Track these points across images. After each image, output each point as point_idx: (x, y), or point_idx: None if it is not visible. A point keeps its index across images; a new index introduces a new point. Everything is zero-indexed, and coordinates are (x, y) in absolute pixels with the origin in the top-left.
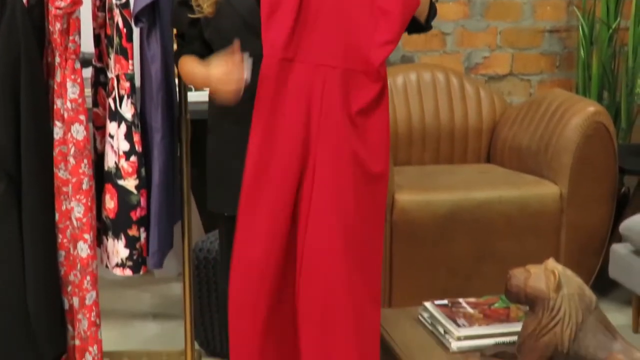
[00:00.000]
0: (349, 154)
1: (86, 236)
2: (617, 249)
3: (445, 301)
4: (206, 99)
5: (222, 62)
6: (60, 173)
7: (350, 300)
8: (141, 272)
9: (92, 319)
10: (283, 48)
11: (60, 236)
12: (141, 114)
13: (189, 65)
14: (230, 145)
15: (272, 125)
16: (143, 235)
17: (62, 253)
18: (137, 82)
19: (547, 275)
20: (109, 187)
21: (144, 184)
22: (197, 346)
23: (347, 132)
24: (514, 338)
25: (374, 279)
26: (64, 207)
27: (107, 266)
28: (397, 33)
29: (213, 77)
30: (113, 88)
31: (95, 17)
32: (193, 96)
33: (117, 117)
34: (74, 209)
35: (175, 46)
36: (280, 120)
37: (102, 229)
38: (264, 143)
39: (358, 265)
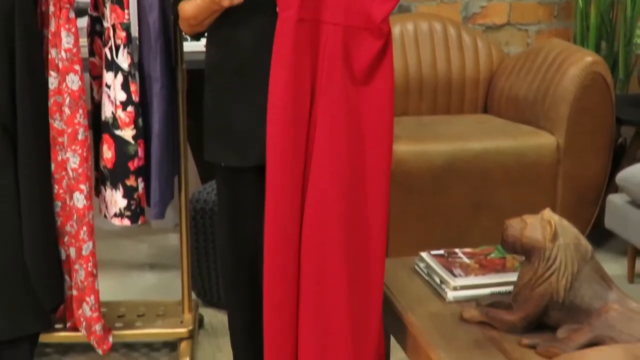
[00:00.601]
0: (348, 112)
1: (82, 187)
2: (613, 199)
3: (441, 251)
4: (202, 49)
5: None
6: (56, 123)
7: (345, 255)
8: (139, 223)
9: (89, 269)
10: (298, 8)
11: (56, 187)
12: (140, 64)
13: (191, 3)
14: (227, 96)
15: (288, 79)
16: (141, 186)
17: (58, 204)
18: (135, 32)
19: (543, 225)
20: (106, 137)
21: (142, 134)
22: (194, 296)
23: (348, 91)
24: (510, 288)
25: (376, 236)
26: (59, 158)
27: (105, 216)
28: None
29: None
30: (109, 37)
31: None
32: (189, 46)
33: (113, 67)
34: (70, 159)
35: None
36: (292, 76)
37: (100, 179)
38: (285, 96)
39: (357, 222)
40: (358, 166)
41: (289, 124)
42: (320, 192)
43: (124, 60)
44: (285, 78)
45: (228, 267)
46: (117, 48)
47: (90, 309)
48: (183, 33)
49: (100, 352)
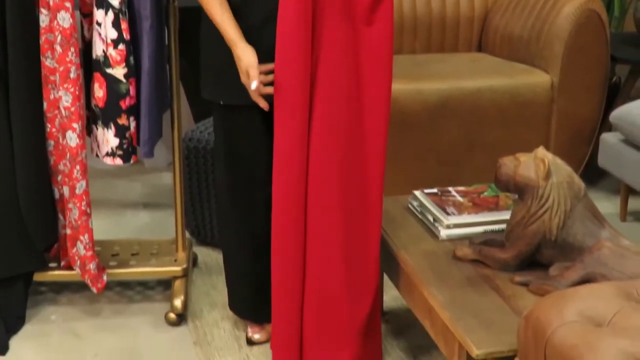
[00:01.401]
0: (348, 53)
1: (75, 125)
2: (607, 138)
3: (434, 190)
4: None
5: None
6: (47, 62)
7: (344, 195)
8: (131, 162)
9: (83, 208)
10: None
11: (49, 125)
12: (129, 1)
13: (225, 20)
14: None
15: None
16: (133, 125)
17: (51, 142)
18: None
19: (536, 163)
20: (97, 75)
21: (133, 72)
22: (187, 235)
23: (348, 32)
24: (503, 226)
25: (373, 177)
26: (51, 96)
27: (97, 155)
28: None
29: (242, 65)
30: None
31: None
32: None
33: (104, 4)
34: (62, 98)
35: None
36: (303, 7)
37: (92, 118)
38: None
39: (356, 163)
40: (357, 108)
41: (300, 54)
42: (321, 135)
43: None
44: (295, 9)
45: (225, 206)
46: None
47: (85, 247)
48: None
49: (94, 290)
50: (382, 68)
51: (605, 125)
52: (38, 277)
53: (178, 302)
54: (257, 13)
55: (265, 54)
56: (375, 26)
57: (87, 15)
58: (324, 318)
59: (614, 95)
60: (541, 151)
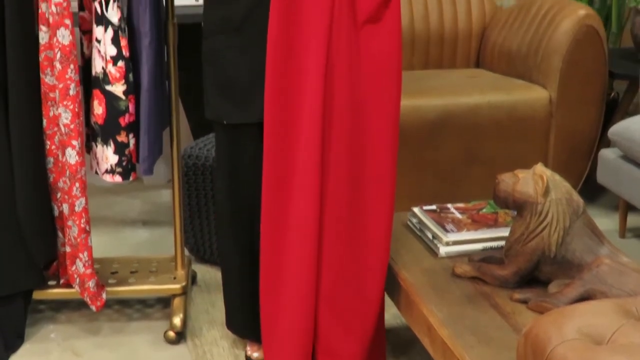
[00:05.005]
0: (354, 61)
1: (74, 142)
2: (606, 153)
3: (433, 206)
4: (192, 2)
5: None
6: (47, 79)
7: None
8: (130, 179)
9: (82, 225)
10: None
11: (48, 143)
12: (129, 18)
13: None
14: (228, 52)
15: (290, 37)
16: (132, 142)
17: (51, 159)
18: None
19: (535, 179)
20: (97, 92)
21: (132, 89)
22: (186, 252)
23: (355, 42)
24: (502, 243)
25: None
26: (51, 114)
27: (96, 172)
28: None
29: None
30: None
31: None
32: (179, 0)
33: (103, 21)
34: (62, 115)
35: None
36: (299, 32)
37: (91, 135)
38: (284, 52)
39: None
40: (363, 119)
41: (283, 77)
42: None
43: (114, 14)
44: (277, 31)
45: (225, 224)
46: (107, 2)
47: (84, 265)
48: None
49: (93, 308)
50: (389, 74)
51: (604, 141)
52: (37, 295)
53: (177, 320)
54: (243, 8)
55: (247, 42)
56: (382, 33)
57: (87, 32)
58: (323, 343)
59: (612, 111)
60: (540, 167)
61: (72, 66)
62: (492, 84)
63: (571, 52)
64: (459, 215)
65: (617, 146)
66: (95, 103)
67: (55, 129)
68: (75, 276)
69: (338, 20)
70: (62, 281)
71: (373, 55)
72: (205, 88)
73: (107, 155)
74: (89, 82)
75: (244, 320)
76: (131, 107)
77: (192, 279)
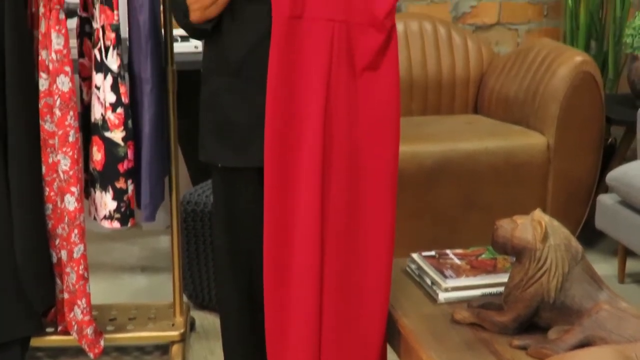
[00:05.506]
0: (352, 108)
1: (73, 189)
2: (604, 199)
3: (432, 252)
4: (191, 49)
5: None
6: (46, 125)
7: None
8: (129, 225)
9: (81, 272)
10: (290, 6)
11: (47, 189)
12: (130, 65)
13: None
14: (227, 95)
15: (290, 81)
16: (130, 188)
17: (50, 206)
18: (124, 33)
19: (533, 225)
20: (96, 139)
21: (131, 136)
22: (185, 299)
23: (353, 89)
24: (501, 289)
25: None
26: (50, 160)
27: (95, 218)
28: None
29: None
30: (98, 39)
31: None
32: (178, 47)
33: (103, 68)
34: (61, 161)
35: None
36: (298, 77)
37: (90, 181)
38: (284, 99)
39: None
40: (361, 165)
41: (282, 122)
42: (317, 195)
43: (113, 61)
44: (277, 76)
45: (223, 269)
46: (107, 49)
47: (82, 312)
48: (173, 33)
49: (91, 355)
50: (387, 122)
51: (602, 186)
52: (35, 342)
53: None
54: (240, 45)
55: (246, 86)
56: (379, 80)
57: (86, 79)
58: None
59: (610, 157)
60: (538, 213)
61: (71, 113)
62: (490, 130)
63: (568, 98)
64: (457, 261)
65: (615, 192)
66: (94, 149)
67: (54, 175)
68: (73, 323)
69: (337, 67)
70: (60, 328)
71: (372, 102)
72: (200, 131)
73: (106, 202)
74: (88, 128)
75: None
76: (130, 154)
77: (191, 325)
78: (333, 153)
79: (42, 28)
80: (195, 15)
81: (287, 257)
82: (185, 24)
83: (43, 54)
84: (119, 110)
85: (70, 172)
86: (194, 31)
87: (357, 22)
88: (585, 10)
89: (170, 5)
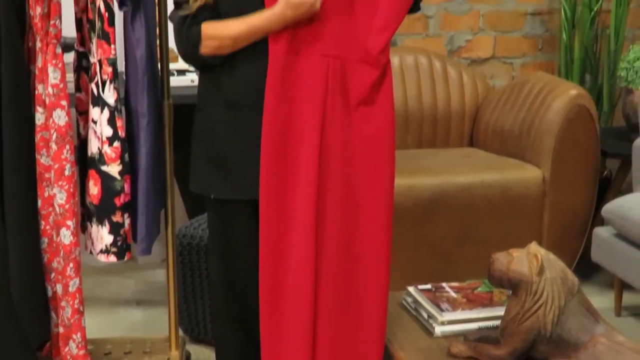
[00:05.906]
0: (349, 145)
1: (69, 223)
2: (600, 232)
3: (428, 286)
4: (187, 83)
5: None
6: (42, 159)
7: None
8: (125, 259)
9: (76, 306)
10: (287, 41)
11: (42, 223)
12: (126, 99)
13: (231, 24)
14: (222, 127)
15: (285, 115)
16: (127, 222)
17: (45, 240)
18: (121, 67)
19: (529, 259)
20: (92, 173)
21: (128, 169)
22: (181, 332)
23: (348, 123)
24: (497, 322)
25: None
26: (46, 194)
27: (91, 252)
28: (393, 19)
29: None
30: (95, 73)
31: (77, 1)
32: (175, 81)
33: (99, 102)
34: (57, 195)
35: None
36: (294, 111)
37: (86, 215)
38: (280, 133)
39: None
40: (357, 198)
41: (277, 155)
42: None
43: (110, 95)
44: (272, 109)
45: (219, 302)
46: (104, 83)
47: (77, 346)
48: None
49: None
50: (380, 159)
51: (598, 219)
52: None
53: None
54: (237, 77)
55: (241, 118)
56: (374, 115)
57: (83, 113)
58: None
59: (606, 190)
60: (534, 246)
61: (67, 147)
62: (485, 163)
63: (563, 131)
64: (454, 295)
65: (611, 224)
66: (91, 183)
67: (50, 209)
68: (69, 357)
69: (332, 102)
70: None
71: (367, 136)
72: (193, 162)
73: (102, 235)
74: (85, 162)
75: None
76: (127, 187)
77: (186, 359)
78: (328, 187)
79: (39, 62)
80: (208, 50)
81: (282, 291)
82: (193, 56)
83: (39, 88)
84: (116, 144)
85: (66, 206)
86: (202, 63)
87: (351, 57)
88: (580, 44)
89: (176, 37)
